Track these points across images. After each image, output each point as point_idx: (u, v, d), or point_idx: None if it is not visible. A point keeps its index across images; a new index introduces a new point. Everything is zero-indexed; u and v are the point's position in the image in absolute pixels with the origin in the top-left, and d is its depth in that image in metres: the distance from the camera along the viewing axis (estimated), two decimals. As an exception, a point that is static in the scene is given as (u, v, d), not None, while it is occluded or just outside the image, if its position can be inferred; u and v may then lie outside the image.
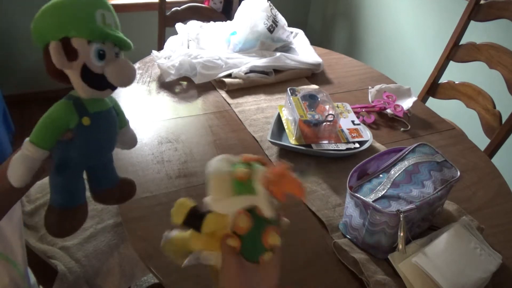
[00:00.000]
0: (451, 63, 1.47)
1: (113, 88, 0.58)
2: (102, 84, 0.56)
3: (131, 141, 0.70)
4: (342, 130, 1.05)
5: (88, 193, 0.65)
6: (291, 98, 1.05)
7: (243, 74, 1.27)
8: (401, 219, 0.69)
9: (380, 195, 0.75)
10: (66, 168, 0.58)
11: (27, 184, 0.57)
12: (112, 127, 0.62)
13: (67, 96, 0.57)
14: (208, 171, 0.54)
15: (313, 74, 1.39)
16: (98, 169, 0.65)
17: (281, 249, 0.55)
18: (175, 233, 0.58)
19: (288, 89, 1.09)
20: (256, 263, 0.53)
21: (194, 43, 1.39)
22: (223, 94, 1.23)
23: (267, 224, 0.54)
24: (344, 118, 1.10)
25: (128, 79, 0.58)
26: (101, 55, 0.55)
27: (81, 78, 0.54)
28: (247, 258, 0.53)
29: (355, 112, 1.14)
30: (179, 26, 1.45)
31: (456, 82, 1.44)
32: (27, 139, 0.55)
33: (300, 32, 1.53)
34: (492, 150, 1.28)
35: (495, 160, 1.19)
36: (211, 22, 1.50)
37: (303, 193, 0.52)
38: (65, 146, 0.57)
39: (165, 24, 1.72)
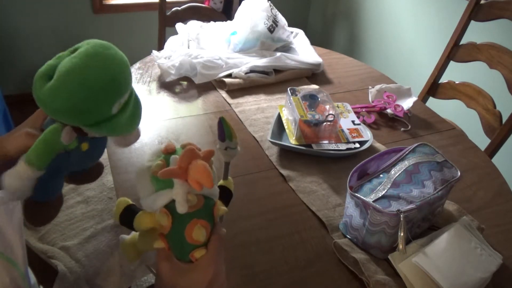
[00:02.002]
0: (452, 63, 1.47)
1: None
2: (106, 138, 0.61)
3: (136, 138, 0.69)
4: (343, 130, 1.05)
5: (89, 193, 0.66)
6: (291, 98, 1.05)
7: (243, 74, 1.27)
8: (401, 219, 0.69)
9: (380, 195, 0.75)
10: (54, 174, 0.59)
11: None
12: (105, 142, 0.64)
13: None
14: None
15: (313, 74, 1.39)
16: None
17: (220, 242, 0.51)
18: (129, 236, 0.56)
19: (288, 89, 1.09)
20: (190, 262, 0.49)
21: (194, 43, 1.39)
22: (223, 94, 1.23)
23: (192, 217, 0.49)
24: (344, 118, 1.10)
25: (133, 142, 0.64)
26: None
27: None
28: (178, 258, 0.50)
29: (355, 112, 1.14)
30: (179, 26, 1.45)
31: (457, 82, 1.44)
32: (23, 156, 0.55)
33: (301, 32, 1.53)
34: (493, 150, 1.28)
35: (496, 160, 1.19)
36: (211, 22, 1.50)
37: (208, 181, 0.46)
38: (57, 158, 0.58)
39: (165, 24, 1.72)
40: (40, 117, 0.60)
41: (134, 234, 0.56)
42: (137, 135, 0.62)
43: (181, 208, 0.47)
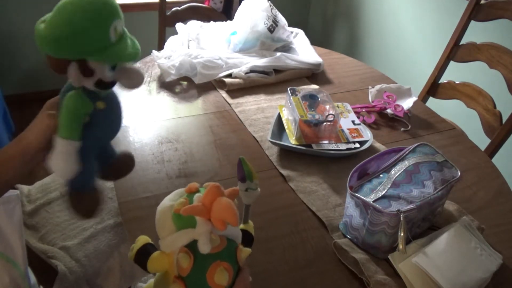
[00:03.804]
0: (452, 63, 1.47)
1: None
2: (112, 86, 0.60)
3: (141, 79, 0.67)
4: (343, 130, 1.05)
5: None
6: (291, 98, 1.05)
7: (243, 74, 1.27)
8: (402, 219, 0.69)
9: (380, 195, 0.75)
10: (82, 152, 0.59)
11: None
12: (120, 104, 0.65)
13: (71, 85, 0.59)
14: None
15: (314, 74, 1.39)
16: (103, 151, 0.68)
17: (244, 286, 0.48)
18: (146, 284, 0.54)
19: (288, 89, 1.09)
20: None
21: (195, 43, 1.39)
22: (223, 94, 1.23)
23: (214, 259, 0.46)
24: (345, 118, 1.10)
25: (138, 85, 0.63)
26: (113, 67, 0.59)
27: (95, 86, 0.57)
28: None
29: (355, 112, 1.14)
30: (179, 26, 1.45)
31: (457, 82, 1.44)
32: (57, 136, 0.56)
33: (301, 32, 1.53)
34: (493, 150, 1.28)
35: (496, 160, 1.19)
36: (211, 22, 1.50)
37: (234, 219, 0.44)
38: (82, 132, 0.59)
39: (165, 24, 1.72)
40: (52, 104, 0.61)
41: (150, 283, 0.54)
42: (142, 76, 0.63)
43: (204, 248, 0.45)
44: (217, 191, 0.46)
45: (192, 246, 0.47)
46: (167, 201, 0.50)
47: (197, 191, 0.50)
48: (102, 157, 0.67)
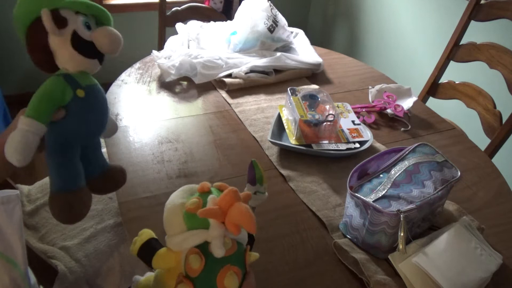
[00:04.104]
0: (452, 63, 1.47)
1: (101, 59, 0.60)
2: (92, 51, 0.58)
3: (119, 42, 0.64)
4: (343, 130, 1.05)
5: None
6: (291, 98, 1.05)
7: (243, 74, 1.27)
8: (402, 219, 0.69)
9: (380, 195, 0.75)
10: (64, 147, 0.58)
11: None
12: (104, 101, 0.63)
13: (55, 74, 0.58)
14: (165, 204, 0.49)
15: (314, 74, 1.39)
16: (89, 154, 0.65)
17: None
18: (144, 277, 0.53)
19: (288, 89, 1.09)
20: None
21: (195, 43, 1.39)
22: (223, 94, 1.23)
23: (225, 263, 0.46)
24: (345, 118, 1.10)
25: (116, 44, 0.60)
26: (88, 26, 0.58)
27: (72, 45, 0.56)
28: None
29: (355, 112, 1.14)
30: (179, 26, 1.45)
31: (457, 82, 1.44)
32: (22, 115, 0.54)
33: (301, 32, 1.53)
34: (493, 150, 1.28)
35: (496, 160, 1.19)
36: (211, 22, 1.50)
37: (252, 226, 0.44)
38: (60, 125, 0.57)
39: (165, 24, 1.72)
40: None
41: (149, 276, 0.53)
42: (119, 37, 0.61)
43: (219, 252, 0.45)
44: (235, 196, 0.45)
45: (202, 247, 0.46)
46: (177, 199, 0.49)
47: (209, 191, 0.50)
48: (92, 166, 0.65)
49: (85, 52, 0.58)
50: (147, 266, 0.51)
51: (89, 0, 0.59)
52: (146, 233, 0.52)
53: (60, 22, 0.55)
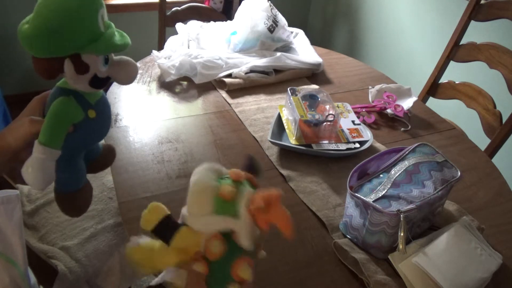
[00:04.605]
0: (452, 63, 1.47)
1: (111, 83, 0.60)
2: (105, 84, 0.58)
3: (136, 71, 0.64)
4: (343, 130, 1.05)
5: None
6: (291, 98, 1.05)
7: (243, 74, 1.27)
8: (402, 219, 0.69)
9: (380, 195, 0.75)
10: (69, 157, 0.58)
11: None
12: (109, 109, 0.63)
13: (61, 89, 0.57)
14: (192, 178, 0.49)
15: (314, 74, 1.39)
16: (90, 150, 0.67)
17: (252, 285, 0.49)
18: (144, 241, 0.52)
19: (288, 89, 1.09)
20: None
21: (195, 43, 1.39)
22: (224, 94, 1.23)
23: (241, 253, 0.48)
24: (345, 118, 1.10)
25: (133, 78, 0.61)
26: (106, 60, 0.56)
27: (89, 84, 0.55)
28: (212, 287, 0.48)
29: (355, 112, 1.14)
30: (179, 26, 1.45)
31: (457, 82, 1.44)
32: (36, 141, 0.53)
33: (300, 32, 1.53)
34: (493, 150, 1.28)
35: (496, 160, 1.19)
36: (211, 22, 1.50)
37: (289, 229, 0.45)
38: (67, 139, 0.57)
39: (165, 24, 1.72)
40: (37, 105, 0.59)
41: (151, 243, 0.51)
42: (136, 68, 0.61)
43: (247, 243, 0.46)
44: (278, 198, 0.46)
45: (224, 234, 0.47)
46: (208, 179, 0.48)
47: (241, 181, 0.50)
48: (88, 155, 0.67)
49: (99, 87, 0.57)
50: (165, 241, 0.50)
51: (116, 39, 0.56)
52: (161, 209, 0.51)
53: (81, 69, 0.53)
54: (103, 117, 0.61)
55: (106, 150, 0.71)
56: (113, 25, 0.58)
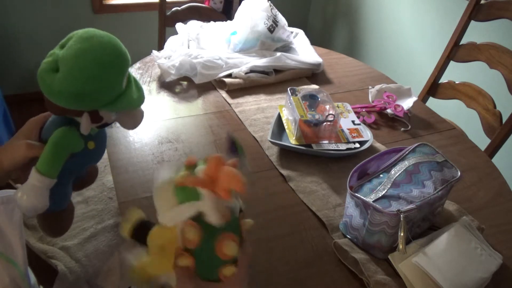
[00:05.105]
0: (452, 63, 1.47)
1: None
2: (111, 124, 0.59)
3: (142, 116, 0.65)
4: (343, 130, 1.05)
5: (89, 193, 0.65)
6: (291, 98, 1.05)
7: (243, 74, 1.27)
8: (402, 219, 0.69)
9: (380, 195, 0.75)
10: (60, 180, 0.58)
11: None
12: (106, 138, 0.64)
13: (63, 118, 0.57)
14: (155, 182, 0.49)
15: (314, 74, 1.39)
16: None
17: (249, 260, 0.49)
18: (137, 261, 0.51)
19: (288, 89, 1.09)
20: (217, 281, 0.47)
21: (195, 43, 1.39)
22: (224, 94, 1.23)
23: (221, 231, 0.47)
24: (345, 118, 1.10)
25: (138, 124, 0.63)
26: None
27: (96, 127, 0.57)
28: (204, 277, 0.47)
29: (355, 112, 1.14)
30: (179, 26, 1.45)
31: (457, 82, 1.44)
32: (34, 168, 0.54)
33: (300, 32, 1.53)
34: (493, 150, 1.28)
35: (496, 160, 1.19)
36: (211, 22, 1.50)
37: (241, 185, 0.44)
38: (65, 163, 0.57)
39: (165, 24, 1.72)
40: (34, 128, 0.59)
41: (142, 260, 0.51)
42: (143, 114, 0.62)
43: (215, 218, 0.45)
44: (220, 161, 0.46)
45: (197, 219, 0.46)
46: (165, 175, 0.49)
47: (195, 165, 0.49)
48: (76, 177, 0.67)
49: (104, 127, 0.59)
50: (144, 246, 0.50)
51: (134, 96, 0.57)
52: (136, 214, 0.51)
53: (96, 120, 0.55)
54: (101, 147, 0.62)
55: (91, 169, 0.71)
56: (132, 76, 0.58)
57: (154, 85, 1.24)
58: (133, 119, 0.61)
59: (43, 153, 0.54)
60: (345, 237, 0.80)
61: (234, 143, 0.57)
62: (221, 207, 0.46)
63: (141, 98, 0.58)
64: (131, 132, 1.04)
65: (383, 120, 1.18)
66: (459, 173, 0.80)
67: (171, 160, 0.95)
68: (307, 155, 1.00)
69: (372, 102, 1.22)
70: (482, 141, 1.25)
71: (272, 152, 1.01)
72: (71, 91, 0.50)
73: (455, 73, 1.54)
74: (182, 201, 0.47)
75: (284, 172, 0.95)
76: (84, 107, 0.53)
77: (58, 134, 0.54)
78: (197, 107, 1.17)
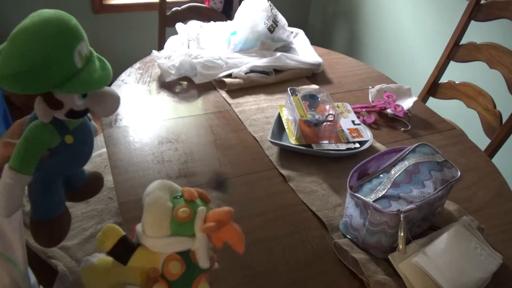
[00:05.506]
0: (452, 63, 1.47)
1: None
2: (85, 114, 0.56)
3: (116, 103, 0.60)
4: (343, 130, 1.05)
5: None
6: (291, 98, 1.05)
7: (243, 74, 1.27)
8: (402, 219, 0.69)
9: (380, 195, 0.75)
10: (47, 183, 0.57)
11: None
12: (91, 135, 0.61)
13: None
14: (146, 199, 0.49)
15: (314, 74, 1.39)
16: (72, 176, 0.65)
17: None
18: (97, 259, 0.52)
19: (288, 89, 1.09)
20: None
21: (195, 43, 1.39)
22: (223, 94, 1.23)
23: (201, 271, 0.49)
24: (345, 118, 1.10)
25: (114, 111, 0.58)
26: (84, 95, 0.54)
27: (66, 116, 0.53)
28: None
29: (355, 112, 1.14)
30: (179, 26, 1.45)
31: (457, 82, 1.44)
32: (7, 165, 0.51)
33: (301, 32, 1.53)
34: (493, 150, 1.28)
35: (496, 160, 1.19)
36: (211, 22, 1.50)
37: (242, 246, 0.47)
38: (44, 164, 0.54)
39: (165, 24, 1.72)
40: (17, 128, 0.58)
41: (104, 260, 0.52)
42: (117, 101, 0.57)
43: (205, 264, 0.48)
44: (230, 217, 0.48)
45: (183, 254, 0.48)
46: (163, 200, 0.49)
47: (195, 201, 0.50)
48: (71, 183, 0.65)
49: (77, 117, 0.55)
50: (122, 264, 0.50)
51: (95, 75, 0.52)
52: (115, 232, 0.51)
53: (55, 105, 0.51)
54: (82, 144, 0.58)
55: (93, 178, 0.69)
56: (95, 55, 0.54)
57: (154, 85, 1.24)
58: (104, 105, 0.55)
59: (15, 148, 0.52)
60: (345, 237, 0.80)
61: (222, 184, 0.58)
62: (210, 251, 0.49)
63: (103, 78, 0.53)
64: (131, 132, 1.04)
65: (383, 120, 1.18)
66: (459, 173, 0.80)
67: (171, 160, 0.95)
68: (307, 155, 1.00)
69: (372, 102, 1.22)
70: (482, 141, 1.25)
71: (272, 152, 1.01)
72: (10, 72, 0.46)
73: (455, 73, 1.54)
74: (175, 233, 0.48)
75: (284, 172, 0.95)
76: (33, 89, 0.48)
77: (30, 128, 0.52)
78: (197, 107, 1.17)
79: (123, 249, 0.49)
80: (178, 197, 0.51)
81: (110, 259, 0.51)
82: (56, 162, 0.56)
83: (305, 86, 1.30)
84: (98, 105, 0.55)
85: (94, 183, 0.70)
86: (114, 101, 0.56)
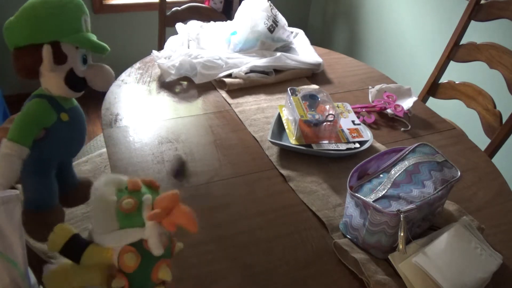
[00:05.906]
0: (452, 63, 1.47)
1: (86, 89, 0.61)
2: (81, 87, 0.59)
3: (111, 77, 0.66)
4: (343, 130, 1.05)
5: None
6: (291, 98, 1.05)
7: (243, 74, 1.27)
8: (402, 219, 0.69)
9: (380, 195, 0.75)
10: (42, 167, 0.58)
11: None
12: (84, 121, 0.64)
13: (36, 95, 0.58)
14: (92, 197, 0.49)
15: (314, 74, 1.39)
16: (64, 172, 0.66)
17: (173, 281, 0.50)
18: (55, 266, 0.52)
19: (288, 89, 1.09)
20: None
21: (194, 43, 1.39)
22: (223, 94, 1.23)
23: (159, 258, 0.49)
24: (345, 118, 1.10)
25: (108, 84, 0.63)
26: (84, 60, 0.57)
27: (65, 81, 0.55)
28: None
29: (355, 112, 1.14)
30: (179, 26, 1.45)
31: (457, 82, 1.44)
32: (5, 139, 0.54)
33: (301, 32, 1.53)
34: (493, 150, 1.28)
35: (496, 160, 1.19)
36: (211, 22, 1.50)
37: (194, 226, 0.46)
38: (40, 145, 0.56)
39: (165, 24, 1.72)
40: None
41: (62, 266, 0.52)
42: (112, 75, 0.63)
43: (158, 251, 0.47)
44: (176, 200, 0.47)
45: (136, 244, 0.47)
46: (107, 195, 0.49)
47: (140, 189, 0.50)
48: (65, 183, 0.66)
49: (74, 87, 0.58)
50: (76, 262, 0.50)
51: (91, 37, 0.58)
52: (66, 230, 0.51)
53: (60, 58, 0.54)
54: (76, 123, 0.62)
55: (84, 184, 0.70)
56: (91, 35, 0.59)
57: (154, 85, 1.24)
58: (101, 76, 0.61)
59: (13, 123, 0.54)
60: (345, 237, 0.80)
61: (182, 170, 0.57)
62: (162, 236, 0.48)
63: (104, 45, 0.58)
64: (131, 132, 1.04)
65: (383, 120, 1.18)
66: (459, 173, 0.80)
67: (171, 160, 0.95)
68: (307, 155, 1.00)
69: (372, 102, 1.22)
70: (482, 141, 1.25)
71: (272, 152, 1.01)
72: (25, 18, 0.54)
73: (455, 73, 1.54)
74: (124, 226, 0.47)
75: (284, 172, 0.95)
76: (42, 35, 0.53)
77: (28, 104, 0.55)
78: (197, 107, 1.17)
79: (74, 247, 0.49)
80: (124, 189, 0.51)
81: (69, 263, 0.51)
82: (52, 142, 0.58)
83: (305, 86, 1.30)
84: (95, 75, 0.60)
85: (86, 189, 0.70)
86: (109, 75, 0.62)
